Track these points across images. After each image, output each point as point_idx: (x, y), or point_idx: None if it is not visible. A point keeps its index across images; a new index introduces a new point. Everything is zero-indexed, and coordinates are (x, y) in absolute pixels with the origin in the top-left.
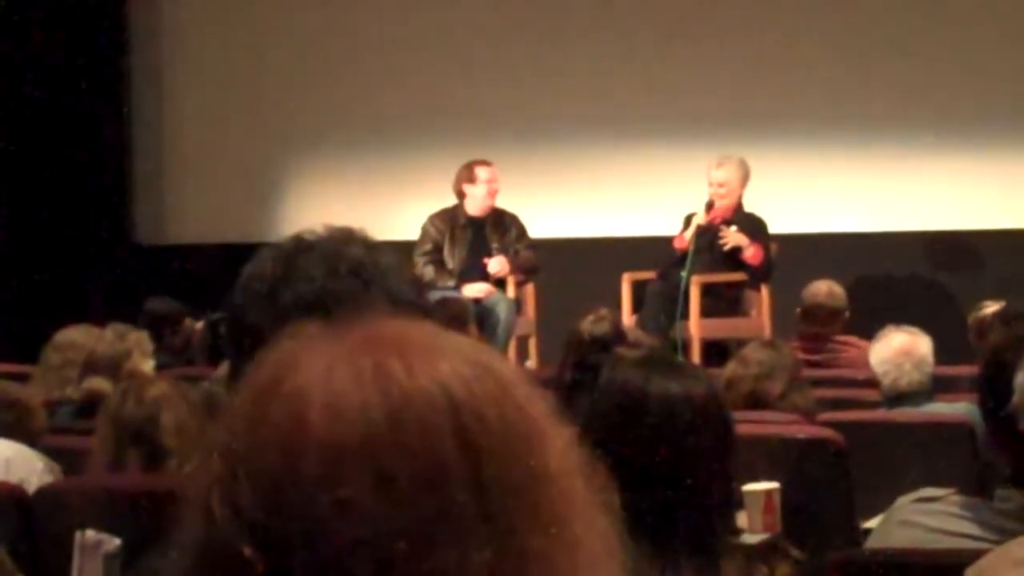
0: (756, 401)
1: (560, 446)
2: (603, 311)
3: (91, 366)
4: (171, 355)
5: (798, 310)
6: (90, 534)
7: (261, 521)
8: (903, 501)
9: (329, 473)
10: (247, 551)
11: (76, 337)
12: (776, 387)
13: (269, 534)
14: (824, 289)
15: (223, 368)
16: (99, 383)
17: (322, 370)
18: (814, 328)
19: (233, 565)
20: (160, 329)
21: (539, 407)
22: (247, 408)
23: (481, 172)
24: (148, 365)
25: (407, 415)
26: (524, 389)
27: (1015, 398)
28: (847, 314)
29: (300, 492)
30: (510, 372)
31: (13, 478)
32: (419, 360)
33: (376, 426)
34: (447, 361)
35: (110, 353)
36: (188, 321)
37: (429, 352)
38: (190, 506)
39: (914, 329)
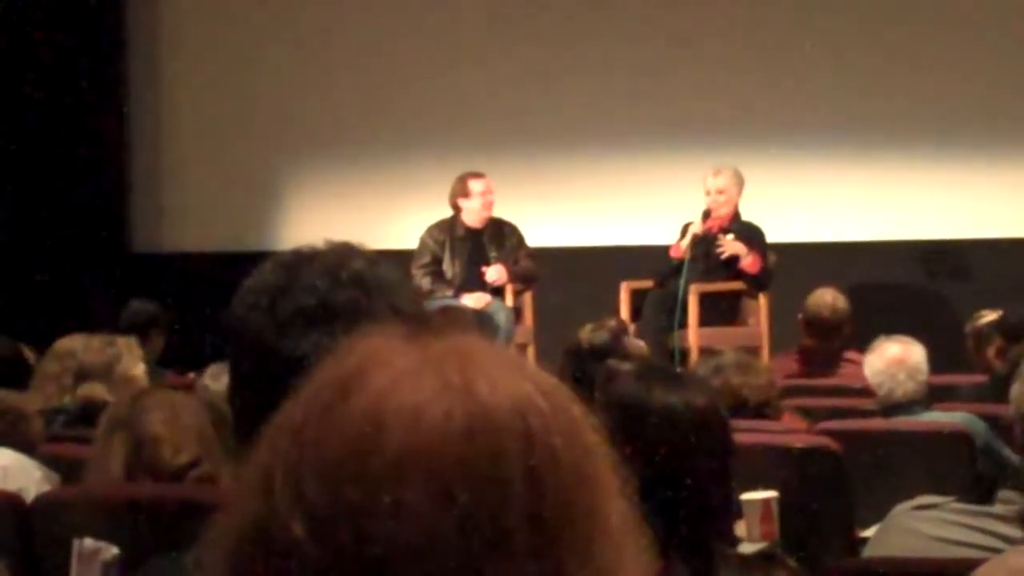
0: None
1: (620, 501)
2: (610, 321)
3: (83, 374)
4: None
5: (800, 317)
6: (88, 542)
7: (319, 507)
8: (901, 508)
9: (396, 475)
10: (299, 533)
11: (73, 346)
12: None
13: (324, 521)
14: (827, 300)
15: (209, 377)
16: (93, 389)
17: (408, 373)
18: (816, 339)
19: (282, 543)
20: (144, 333)
21: (605, 457)
22: (326, 394)
23: (475, 185)
24: (139, 369)
25: (483, 437)
26: (593, 436)
27: (1011, 408)
28: (849, 326)
29: (363, 487)
30: (581, 415)
31: (11, 486)
32: (503, 384)
33: (452, 439)
34: (529, 391)
35: (100, 359)
36: (164, 332)
37: (513, 378)
38: (249, 477)
39: (906, 338)
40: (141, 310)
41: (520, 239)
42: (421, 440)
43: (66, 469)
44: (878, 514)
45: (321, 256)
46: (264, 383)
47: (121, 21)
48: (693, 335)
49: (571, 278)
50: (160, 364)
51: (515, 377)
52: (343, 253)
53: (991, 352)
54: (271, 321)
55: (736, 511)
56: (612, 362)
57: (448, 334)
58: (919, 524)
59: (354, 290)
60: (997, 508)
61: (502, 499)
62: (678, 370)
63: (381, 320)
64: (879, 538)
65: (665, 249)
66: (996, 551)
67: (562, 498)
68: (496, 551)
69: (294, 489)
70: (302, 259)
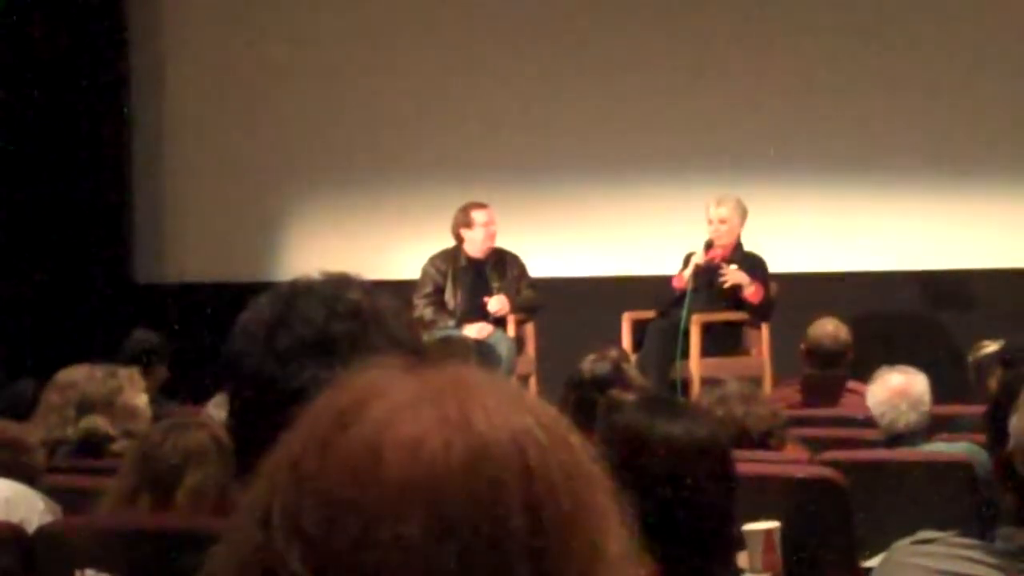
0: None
1: (619, 530)
2: (612, 351)
3: (85, 405)
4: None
5: (802, 347)
6: (91, 574)
7: (317, 540)
8: (901, 544)
9: (394, 508)
10: (298, 566)
11: (76, 377)
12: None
13: (322, 554)
14: (829, 330)
15: (213, 407)
16: (95, 421)
17: (407, 405)
18: (818, 369)
19: (280, 575)
20: (147, 364)
21: (604, 486)
22: (323, 427)
23: (477, 216)
24: (141, 401)
25: (482, 468)
26: (592, 466)
27: (1011, 441)
28: (851, 356)
29: (361, 520)
30: (581, 446)
31: (14, 518)
32: (502, 416)
33: (450, 472)
34: (527, 423)
35: (102, 391)
36: (167, 362)
37: (511, 410)
38: (248, 509)
39: (909, 369)
40: (144, 340)
41: (522, 269)
42: (420, 473)
43: (68, 500)
44: (880, 544)
45: (318, 288)
46: (263, 414)
47: (124, 60)
48: (695, 365)
49: (573, 308)
50: (163, 394)
51: (514, 409)
52: (340, 284)
53: (992, 382)
54: (269, 353)
55: (738, 542)
56: (614, 392)
57: (446, 365)
58: (920, 559)
59: (351, 321)
60: (998, 544)
61: (501, 532)
62: (680, 400)
63: (379, 351)
64: (879, 574)
65: (667, 279)
66: None
67: (561, 530)
68: None
69: (292, 522)
70: (299, 291)
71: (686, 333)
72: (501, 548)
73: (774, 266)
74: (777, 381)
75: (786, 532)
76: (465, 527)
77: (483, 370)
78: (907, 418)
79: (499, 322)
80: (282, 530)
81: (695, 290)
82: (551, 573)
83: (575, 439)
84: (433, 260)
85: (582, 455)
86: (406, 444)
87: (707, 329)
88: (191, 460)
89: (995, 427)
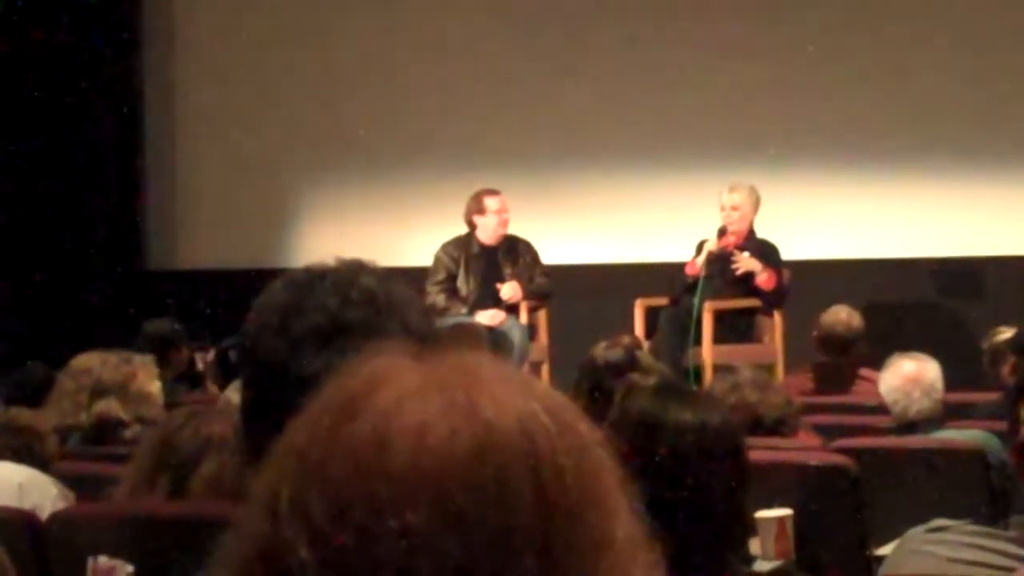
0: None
1: (627, 516)
2: (625, 338)
3: (99, 391)
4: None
5: (815, 334)
6: (103, 560)
7: (324, 530)
8: (914, 532)
9: (401, 497)
10: (306, 555)
11: (90, 363)
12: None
13: (330, 543)
14: (842, 317)
15: (227, 397)
16: (108, 407)
17: (413, 393)
18: (830, 357)
19: (289, 566)
20: (164, 352)
21: (612, 472)
22: (330, 414)
23: (490, 203)
24: (155, 387)
25: (490, 456)
26: (600, 452)
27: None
28: (863, 343)
29: (368, 509)
30: (589, 432)
31: (27, 504)
32: (509, 403)
33: (457, 460)
34: (535, 410)
35: (116, 377)
36: (185, 349)
37: (518, 397)
38: (256, 499)
39: (922, 355)
40: (161, 328)
41: (535, 256)
42: (426, 461)
43: (81, 486)
44: (893, 532)
45: (332, 274)
46: (276, 401)
47: (137, 50)
48: (708, 352)
49: (586, 295)
50: (182, 381)
51: (521, 396)
52: (354, 271)
53: (1006, 370)
54: (282, 340)
55: (751, 529)
56: (634, 376)
57: (455, 353)
58: (933, 547)
59: (365, 308)
60: (1011, 531)
61: (508, 519)
62: (693, 387)
63: (392, 338)
64: (892, 561)
65: (680, 266)
66: (1008, 570)
67: (569, 517)
68: (504, 571)
69: (300, 511)
70: (313, 277)
71: (699, 320)
72: (508, 536)
73: (787, 253)
74: (789, 368)
75: (798, 519)
76: (472, 515)
77: (490, 357)
78: (919, 405)
79: (512, 309)
80: (289, 520)
81: (708, 277)
82: (558, 561)
83: (583, 426)
84: (446, 247)
85: (590, 442)
86: (412, 432)
87: (720, 316)
88: (210, 448)
89: (1012, 415)
